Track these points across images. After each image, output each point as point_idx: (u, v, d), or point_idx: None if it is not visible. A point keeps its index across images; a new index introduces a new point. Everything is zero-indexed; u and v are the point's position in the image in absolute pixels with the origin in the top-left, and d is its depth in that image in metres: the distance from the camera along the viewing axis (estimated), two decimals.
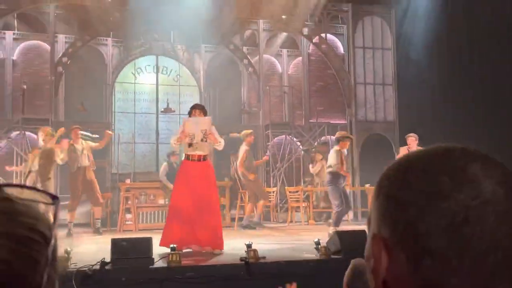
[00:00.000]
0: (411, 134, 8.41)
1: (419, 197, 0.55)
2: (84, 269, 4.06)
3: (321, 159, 11.19)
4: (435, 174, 0.55)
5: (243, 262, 4.42)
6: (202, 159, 5.62)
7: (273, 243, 6.50)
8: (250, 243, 4.88)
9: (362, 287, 2.13)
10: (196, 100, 14.07)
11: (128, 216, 9.77)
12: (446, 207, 0.54)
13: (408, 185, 0.56)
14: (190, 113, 5.86)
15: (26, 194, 0.50)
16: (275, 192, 10.71)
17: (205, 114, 5.86)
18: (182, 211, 5.39)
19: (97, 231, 8.02)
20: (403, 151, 11.26)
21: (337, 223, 7.03)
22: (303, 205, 10.81)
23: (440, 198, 0.54)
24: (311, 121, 13.76)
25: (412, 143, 8.11)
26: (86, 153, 8.23)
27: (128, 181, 10.63)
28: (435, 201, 0.54)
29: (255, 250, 4.72)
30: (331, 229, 6.76)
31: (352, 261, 2.37)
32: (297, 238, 6.99)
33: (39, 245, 0.48)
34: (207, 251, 5.39)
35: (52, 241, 0.49)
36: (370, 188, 10.89)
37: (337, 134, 7.71)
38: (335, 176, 7.29)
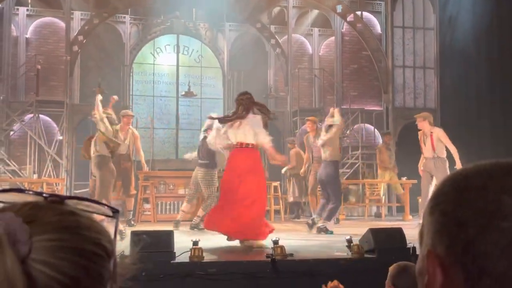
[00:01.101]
0: (420, 114, 8.11)
1: (478, 216, 0.57)
2: None
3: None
4: (496, 193, 0.57)
5: (269, 259, 4.48)
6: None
7: (302, 239, 6.54)
8: (277, 239, 4.93)
9: (411, 285, 2.18)
10: (219, 82, 14.16)
11: (146, 206, 9.95)
12: (507, 227, 0.56)
13: (467, 203, 0.59)
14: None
15: (85, 206, 0.54)
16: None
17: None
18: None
19: (128, 223, 8.22)
20: (382, 149, 11.22)
21: (330, 217, 7.13)
22: None
23: (501, 218, 0.56)
24: (344, 107, 13.67)
25: (423, 125, 7.83)
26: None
27: (146, 169, 10.78)
28: (496, 221, 0.56)
29: (282, 247, 4.76)
30: (321, 222, 6.93)
31: (395, 264, 2.43)
32: (327, 235, 7.02)
33: (103, 260, 0.52)
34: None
35: (113, 255, 0.53)
36: (407, 182, 10.82)
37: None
38: (338, 166, 7.52)
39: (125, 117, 8.59)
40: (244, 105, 5.87)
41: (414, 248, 4.71)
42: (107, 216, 0.54)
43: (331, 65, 13.95)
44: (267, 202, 6.52)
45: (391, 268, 2.46)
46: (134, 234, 4.61)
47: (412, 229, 5.63)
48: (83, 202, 0.54)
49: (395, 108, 13.67)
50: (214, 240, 5.93)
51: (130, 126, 8.77)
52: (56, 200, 0.53)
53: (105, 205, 0.54)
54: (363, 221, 10.24)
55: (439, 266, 0.59)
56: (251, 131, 5.77)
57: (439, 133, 7.77)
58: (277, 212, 10.54)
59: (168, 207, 10.15)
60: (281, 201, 10.63)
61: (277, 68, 13.86)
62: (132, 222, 8.25)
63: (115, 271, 0.53)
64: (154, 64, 13.88)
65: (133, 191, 8.59)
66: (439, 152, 7.68)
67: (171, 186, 10.23)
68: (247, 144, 5.78)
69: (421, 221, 0.69)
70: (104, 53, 12.87)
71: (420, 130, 8.06)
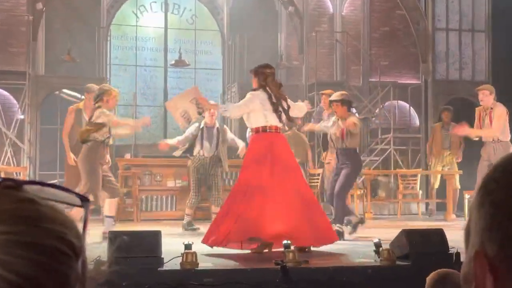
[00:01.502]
0: (485, 86, 8.16)
1: None
2: None
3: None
4: None
5: (279, 266, 4.51)
6: None
7: None
8: (289, 242, 4.95)
9: None
10: (218, 49, 14.12)
11: (128, 201, 10.00)
12: None
13: None
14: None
15: (47, 193, 0.54)
16: (320, 175, 10.76)
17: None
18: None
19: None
20: (437, 128, 11.07)
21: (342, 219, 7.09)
22: (358, 192, 10.85)
23: None
24: (372, 80, 13.64)
25: (487, 101, 7.86)
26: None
27: (127, 156, 10.84)
28: None
29: (294, 252, 4.80)
30: (337, 227, 6.85)
31: (435, 272, 2.43)
32: (350, 238, 7.04)
33: (69, 259, 0.51)
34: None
35: (82, 254, 0.53)
36: (449, 173, 10.81)
37: None
38: None
39: (89, 93, 8.52)
40: (268, 81, 6.03)
41: (458, 253, 4.73)
42: (75, 206, 0.54)
43: (356, 28, 13.87)
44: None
45: (429, 278, 2.46)
46: (114, 234, 4.64)
47: (455, 231, 5.64)
48: (46, 189, 0.54)
49: (436, 81, 13.60)
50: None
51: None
52: (12, 185, 0.53)
53: (73, 192, 0.54)
54: (395, 221, 10.26)
55: (489, 269, 0.60)
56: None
57: (498, 110, 7.77)
58: None
59: (154, 203, 10.20)
60: None
61: (290, 32, 13.80)
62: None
63: (85, 273, 0.53)
64: (136, 26, 13.86)
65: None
66: (502, 135, 7.71)
67: (158, 177, 10.26)
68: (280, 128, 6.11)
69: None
70: (75, 12, 12.83)
71: (479, 106, 8.05)
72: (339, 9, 13.98)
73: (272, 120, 5.94)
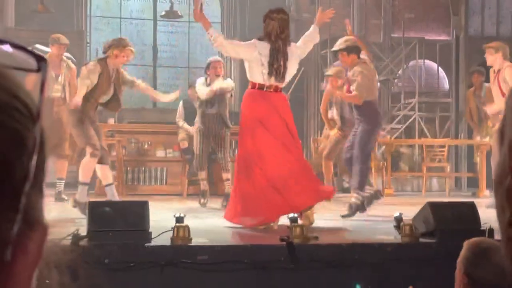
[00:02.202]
0: (491, 44, 8.06)
1: None
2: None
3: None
4: None
5: (284, 242, 4.51)
6: None
7: (333, 219, 6.61)
8: (296, 216, 4.98)
9: (492, 273, 2.16)
10: (215, 0, 14.00)
11: (112, 173, 10.02)
12: None
13: None
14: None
15: None
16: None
17: None
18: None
19: (57, 197, 8.25)
20: (469, 96, 10.92)
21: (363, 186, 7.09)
22: (377, 165, 10.85)
23: None
24: (394, 35, 13.55)
25: (493, 61, 7.87)
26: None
27: (111, 121, 10.83)
28: None
29: (302, 226, 4.81)
30: (355, 197, 6.90)
31: (467, 242, 2.40)
32: (366, 214, 7.06)
33: (24, 118, 0.51)
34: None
35: (39, 119, 0.52)
36: (483, 143, 10.77)
37: None
38: None
39: (54, 45, 8.47)
40: (283, 27, 5.97)
41: (491, 230, 4.71)
42: (30, 71, 0.52)
43: None
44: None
45: (464, 250, 2.43)
46: (93, 205, 4.65)
47: (487, 209, 5.63)
48: None
49: (470, 37, 13.55)
50: (204, 217, 5.98)
51: (64, 57, 8.69)
52: None
53: (27, 50, 0.52)
54: (420, 198, 10.27)
55: None
56: (291, 71, 6.09)
57: (506, 70, 7.71)
58: None
59: (141, 175, 10.21)
60: None
61: None
62: (64, 197, 8.29)
63: (43, 142, 0.53)
64: None
65: (66, 151, 8.52)
66: None
67: (146, 145, 10.27)
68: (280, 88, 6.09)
69: None
70: None
71: (491, 67, 8.04)
72: None
73: (271, 77, 5.90)
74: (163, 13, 13.19)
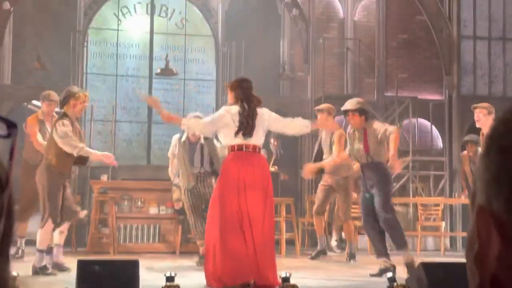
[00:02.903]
0: (483, 105, 7.84)
1: None
2: None
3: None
4: None
5: None
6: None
7: (324, 279, 6.56)
8: (287, 275, 4.91)
9: None
10: (211, 57, 14.15)
11: (104, 231, 9.94)
12: None
13: None
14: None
15: None
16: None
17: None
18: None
19: (17, 255, 8.15)
20: (464, 159, 10.90)
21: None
22: None
23: None
24: (388, 94, 13.65)
25: (485, 124, 7.67)
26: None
27: (104, 178, 10.81)
28: None
29: (295, 286, 4.75)
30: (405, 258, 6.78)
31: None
32: (358, 274, 7.00)
33: None
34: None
35: (8, 187, 0.53)
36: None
37: None
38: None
39: (45, 102, 8.44)
40: (246, 95, 6.05)
41: None
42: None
43: (370, 35, 13.94)
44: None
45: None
46: (82, 264, 4.57)
47: None
48: None
49: (462, 96, 13.63)
50: (196, 276, 5.90)
51: (55, 113, 8.70)
52: None
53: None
54: (415, 257, 10.18)
55: (495, 227, 0.58)
56: (261, 131, 6.05)
57: None
58: (289, 242, 10.50)
59: (134, 232, 10.13)
60: (296, 227, 10.58)
61: (294, 38, 13.87)
62: (20, 253, 8.17)
63: (11, 206, 0.53)
64: (118, 30, 13.92)
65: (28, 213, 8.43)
66: None
67: (139, 202, 10.22)
68: (259, 148, 6.07)
69: None
70: (48, 14, 12.90)
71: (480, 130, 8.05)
72: (351, 13, 14.05)
73: (240, 134, 5.92)
74: (159, 70, 13.30)
